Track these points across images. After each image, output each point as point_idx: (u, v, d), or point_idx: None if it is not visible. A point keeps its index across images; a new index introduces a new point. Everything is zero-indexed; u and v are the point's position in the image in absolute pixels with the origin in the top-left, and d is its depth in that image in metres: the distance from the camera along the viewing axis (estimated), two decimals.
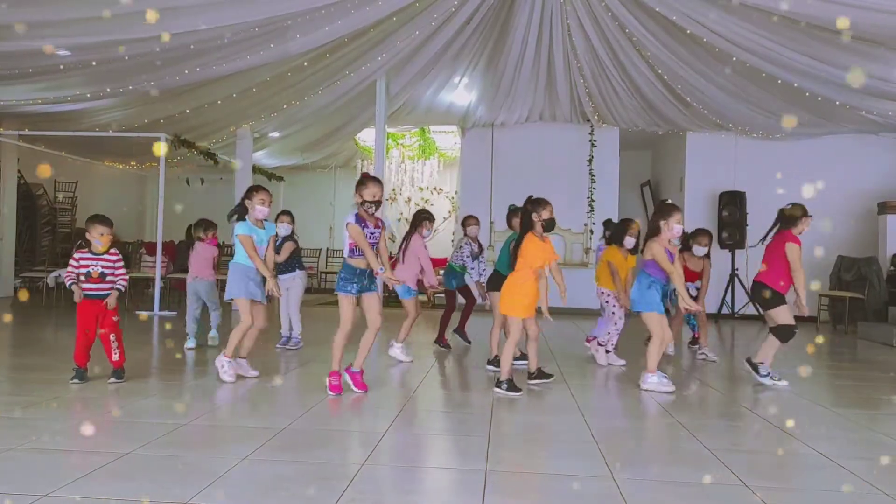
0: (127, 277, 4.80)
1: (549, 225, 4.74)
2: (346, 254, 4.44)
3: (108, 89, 8.57)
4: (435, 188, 14.66)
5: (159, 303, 9.39)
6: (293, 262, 6.41)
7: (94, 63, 7.49)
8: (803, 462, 3.25)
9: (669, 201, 5.19)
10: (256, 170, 12.87)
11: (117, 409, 4.00)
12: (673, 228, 4.88)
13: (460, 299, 6.88)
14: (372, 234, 4.36)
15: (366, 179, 4.38)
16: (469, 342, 6.97)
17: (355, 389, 4.47)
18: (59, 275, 10.27)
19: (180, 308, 10.17)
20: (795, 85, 8.29)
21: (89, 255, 4.63)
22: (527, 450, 3.41)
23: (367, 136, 12.91)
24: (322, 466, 2.96)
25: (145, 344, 6.79)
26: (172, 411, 3.93)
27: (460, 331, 7.00)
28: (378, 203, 4.34)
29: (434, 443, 3.57)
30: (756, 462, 3.24)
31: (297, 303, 6.44)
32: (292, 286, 6.40)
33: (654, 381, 4.83)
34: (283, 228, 6.28)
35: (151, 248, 10.65)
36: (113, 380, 4.59)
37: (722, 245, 10.73)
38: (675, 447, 3.47)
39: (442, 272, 6.94)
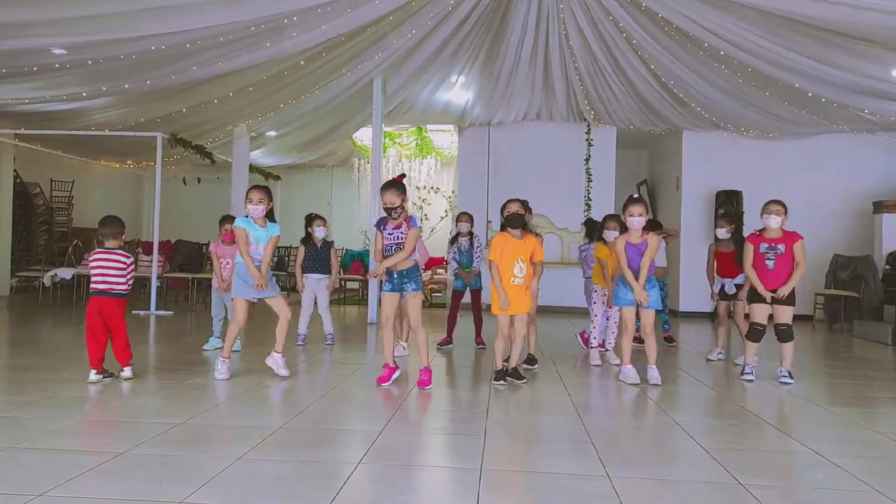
0: (131, 277, 4.79)
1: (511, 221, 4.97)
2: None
3: (105, 88, 8.54)
4: (432, 187, 14.66)
5: (156, 302, 9.38)
6: (326, 264, 6.62)
7: (89, 62, 7.47)
8: (798, 460, 3.26)
9: (636, 195, 5.38)
10: (253, 169, 12.86)
11: (113, 408, 4.00)
12: (627, 220, 5.11)
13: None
14: (390, 234, 4.66)
15: (383, 188, 4.68)
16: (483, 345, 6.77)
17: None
18: (56, 274, 10.25)
19: (177, 307, 10.17)
20: (796, 86, 8.29)
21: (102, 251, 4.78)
22: (522, 449, 3.41)
23: (364, 135, 12.90)
24: (318, 465, 2.96)
25: (141, 343, 6.78)
26: (168, 410, 3.93)
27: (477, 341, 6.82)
28: (393, 209, 4.60)
29: (429, 442, 3.57)
30: (751, 460, 3.25)
31: (327, 302, 6.69)
32: (323, 286, 6.64)
33: (651, 374, 5.08)
34: (319, 231, 6.58)
35: (148, 248, 10.63)
36: (93, 375, 4.63)
37: None
38: (670, 446, 3.48)
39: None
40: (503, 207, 5.08)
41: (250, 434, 3.40)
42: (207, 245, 10.94)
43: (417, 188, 14.43)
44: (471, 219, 6.71)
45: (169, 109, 9.82)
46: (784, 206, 5.25)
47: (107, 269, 4.71)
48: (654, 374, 5.07)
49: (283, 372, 4.93)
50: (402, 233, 4.61)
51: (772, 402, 4.69)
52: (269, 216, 4.94)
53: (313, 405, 4.14)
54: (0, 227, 11.12)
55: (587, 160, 11.49)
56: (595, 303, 6.23)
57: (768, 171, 11.08)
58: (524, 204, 5.35)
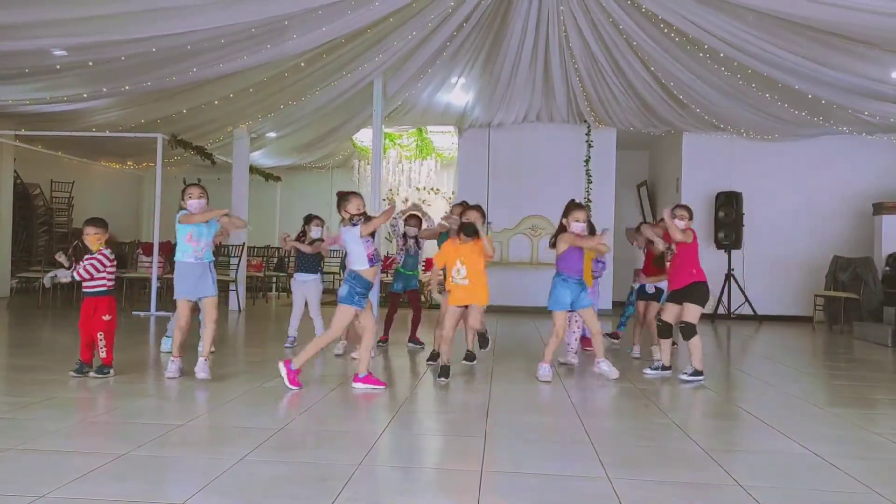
0: (85, 268, 4.87)
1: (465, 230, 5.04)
2: (361, 266, 4.64)
3: (105, 89, 8.55)
4: (432, 188, 14.66)
5: (156, 303, 9.38)
6: (316, 265, 6.61)
7: (90, 63, 7.47)
8: (798, 462, 3.26)
9: (576, 200, 5.53)
10: (253, 170, 12.86)
11: (113, 409, 4.00)
12: (571, 225, 5.26)
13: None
14: (367, 241, 4.72)
15: (348, 195, 4.76)
16: (422, 344, 6.75)
17: (376, 388, 4.61)
18: (56, 275, 10.25)
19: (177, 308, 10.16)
20: (796, 87, 8.30)
21: (87, 256, 4.90)
22: (521, 450, 3.41)
23: (364, 136, 12.90)
24: (318, 467, 2.97)
25: (142, 344, 6.79)
26: (169, 412, 3.94)
27: (413, 339, 6.84)
28: (363, 215, 4.68)
29: (429, 443, 3.58)
30: (751, 462, 3.26)
31: (318, 304, 6.64)
32: (313, 288, 6.61)
33: (543, 371, 5.10)
34: (316, 231, 6.56)
35: (148, 249, 10.64)
36: (93, 373, 4.74)
37: (718, 245, 10.75)
38: (669, 447, 3.48)
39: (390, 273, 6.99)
40: (462, 211, 5.22)
41: (250, 435, 3.40)
42: None
43: (417, 189, 14.43)
44: (419, 222, 6.67)
45: (169, 110, 9.82)
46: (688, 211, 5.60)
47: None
48: (604, 366, 5.17)
49: (203, 375, 4.80)
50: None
51: (771, 404, 4.70)
52: None
53: (313, 406, 4.15)
54: (0, 228, 11.13)
55: (587, 161, 11.50)
56: None
57: (768, 173, 11.10)
58: (482, 212, 5.31)
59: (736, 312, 10.69)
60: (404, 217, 6.68)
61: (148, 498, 2.53)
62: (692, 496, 2.72)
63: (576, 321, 5.98)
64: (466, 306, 5.14)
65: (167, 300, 10.83)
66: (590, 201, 11.43)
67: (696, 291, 5.19)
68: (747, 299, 10.63)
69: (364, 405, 4.31)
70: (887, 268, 9.62)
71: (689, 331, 5.16)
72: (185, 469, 2.88)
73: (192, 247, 4.85)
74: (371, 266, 4.65)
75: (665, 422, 4.02)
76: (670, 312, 5.35)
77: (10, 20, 6.28)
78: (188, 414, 3.82)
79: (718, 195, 10.90)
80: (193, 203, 4.84)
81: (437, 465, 3.22)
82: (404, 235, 6.66)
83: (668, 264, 5.41)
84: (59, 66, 7.55)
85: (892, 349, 7.78)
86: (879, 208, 10.18)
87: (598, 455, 3.22)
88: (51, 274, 10.10)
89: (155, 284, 9.47)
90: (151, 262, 9.77)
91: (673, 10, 6.97)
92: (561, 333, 5.15)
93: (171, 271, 10.45)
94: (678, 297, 5.28)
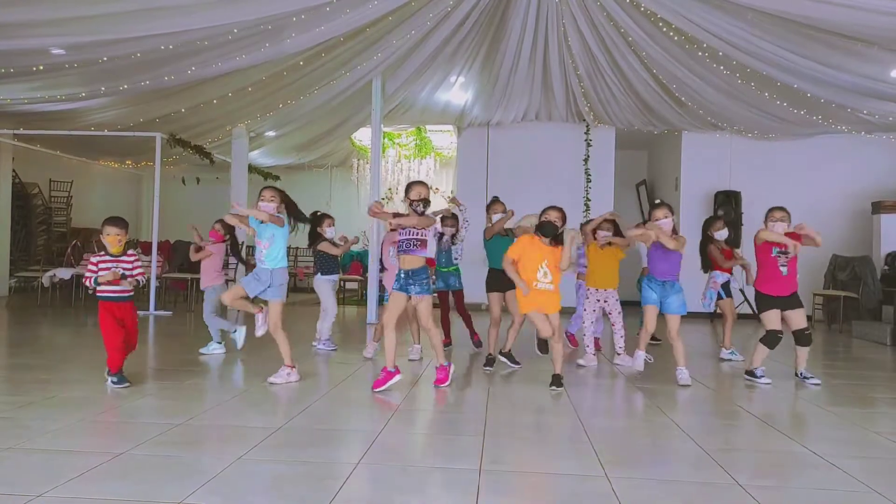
0: (144, 273, 4.80)
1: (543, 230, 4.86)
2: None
3: (103, 88, 8.54)
4: (431, 187, 14.67)
5: (155, 302, 9.38)
6: (334, 266, 6.59)
7: (88, 62, 7.46)
8: (798, 461, 3.26)
9: (658, 201, 5.56)
10: (252, 169, 12.85)
11: (112, 409, 4.00)
12: (658, 223, 5.23)
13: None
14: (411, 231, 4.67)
15: (412, 183, 4.77)
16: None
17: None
18: (55, 274, 10.24)
19: (176, 308, 10.16)
20: (795, 86, 8.31)
21: (108, 258, 4.61)
22: (521, 449, 3.41)
23: (363, 136, 12.90)
24: (317, 466, 2.96)
25: (140, 343, 6.76)
26: (167, 411, 3.93)
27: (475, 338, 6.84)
28: (424, 201, 4.67)
29: (428, 442, 3.57)
30: (750, 461, 3.26)
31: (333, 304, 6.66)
32: (334, 287, 6.66)
33: (629, 362, 5.54)
34: (329, 231, 6.56)
35: (147, 248, 10.63)
36: (122, 385, 4.60)
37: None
38: (669, 446, 3.48)
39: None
40: (542, 212, 4.95)
41: (250, 434, 3.40)
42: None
43: None
44: (456, 222, 6.74)
45: (168, 110, 9.82)
46: (788, 212, 5.47)
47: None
48: (683, 375, 5.12)
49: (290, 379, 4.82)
50: (425, 231, 4.63)
51: (770, 403, 4.70)
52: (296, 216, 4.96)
53: (312, 405, 4.14)
54: None
55: (586, 160, 11.50)
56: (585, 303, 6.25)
57: (767, 172, 11.10)
58: (563, 213, 5.07)
59: (735, 311, 10.67)
60: (440, 217, 6.65)
61: (147, 497, 2.53)
62: (692, 496, 2.72)
63: (599, 320, 6.14)
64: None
65: (166, 300, 10.82)
66: (589, 200, 11.43)
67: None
68: (746, 299, 10.63)
69: (363, 404, 4.30)
70: (886, 267, 9.63)
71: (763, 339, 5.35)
72: (183, 468, 2.88)
73: (259, 248, 4.78)
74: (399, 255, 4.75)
75: (665, 422, 4.02)
76: (776, 319, 5.29)
77: (10, 19, 6.27)
78: (187, 413, 3.82)
79: (717, 194, 10.90)
80: (264, 206, 4.73)
81: (436, 464, 3.22)
82: (441, 235, 6.60)
83: (783, 269, 5.31)
84: (57, 65, 7.54)
85: (891, 348, 7.79)
86: (878, 207, 10.19)
87: (598, 455, 3.22)
88: (50, 273, 10.19)
89: (154, 284, 9.46)
90: (150, 262, 9.76)
91: (672, 9, 6.96)
92: (650, 327, 5.26)
93: (171, 270, 10.58)
94: (782, 304, 5.28)
